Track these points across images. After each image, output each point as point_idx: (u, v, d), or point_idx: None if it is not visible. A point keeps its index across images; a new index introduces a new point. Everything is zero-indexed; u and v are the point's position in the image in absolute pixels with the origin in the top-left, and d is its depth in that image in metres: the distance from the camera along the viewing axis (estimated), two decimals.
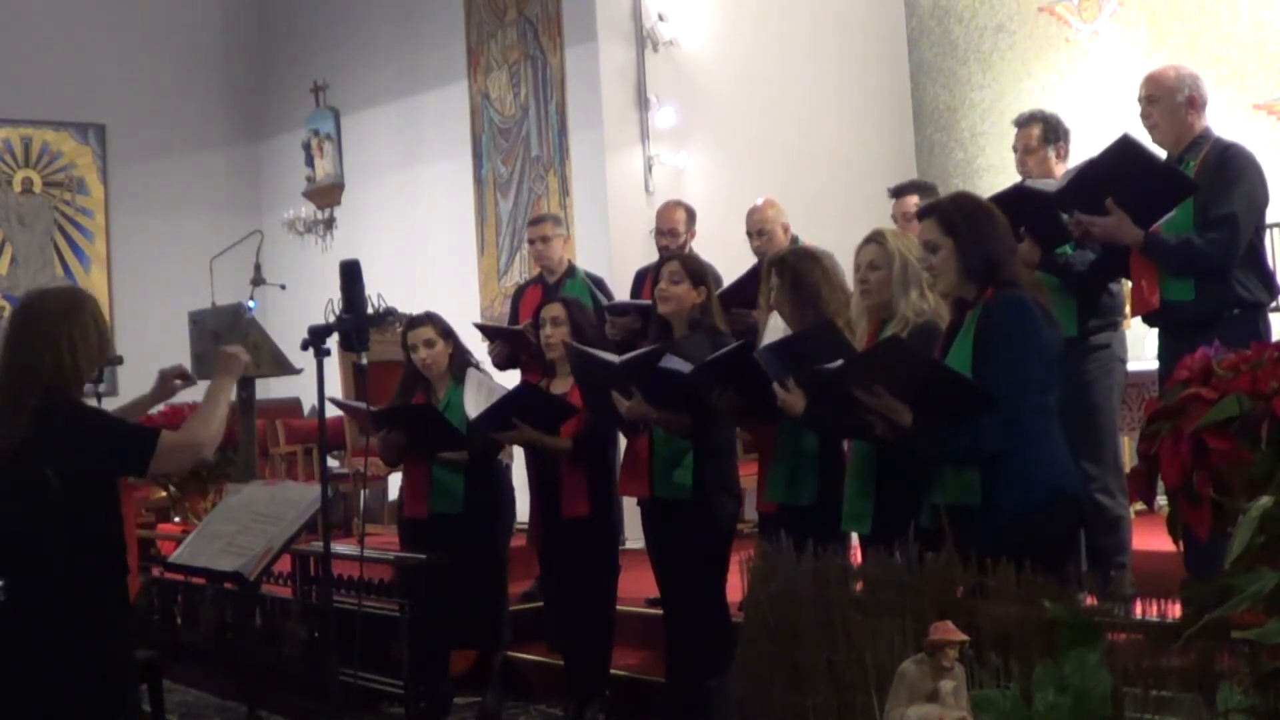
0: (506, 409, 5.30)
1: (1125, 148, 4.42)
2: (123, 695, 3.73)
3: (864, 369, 3.64)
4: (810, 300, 4.38)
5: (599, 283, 6.89)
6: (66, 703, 3.50)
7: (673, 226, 6.75)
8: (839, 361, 3.77)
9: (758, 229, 6.35)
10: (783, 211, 6.43)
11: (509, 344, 6.53)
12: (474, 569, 5.53)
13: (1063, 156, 5.32)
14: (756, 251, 6.34)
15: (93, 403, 3.86)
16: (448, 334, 5.68)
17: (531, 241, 6.96)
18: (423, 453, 5.57)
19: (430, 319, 5.69)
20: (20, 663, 3.50)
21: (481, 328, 6.96)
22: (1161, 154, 4.71)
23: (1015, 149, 5.39)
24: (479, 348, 6.47)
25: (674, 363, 4.62)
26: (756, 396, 4.37)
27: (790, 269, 4.46)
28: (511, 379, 6.53)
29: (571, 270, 6.91)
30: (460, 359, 5.67)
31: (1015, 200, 4.64)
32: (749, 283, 5.78)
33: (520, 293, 7.12)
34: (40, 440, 3.51)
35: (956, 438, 3.52)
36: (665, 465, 4.95)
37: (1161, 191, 4.50)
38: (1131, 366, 5.40)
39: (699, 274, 5.06)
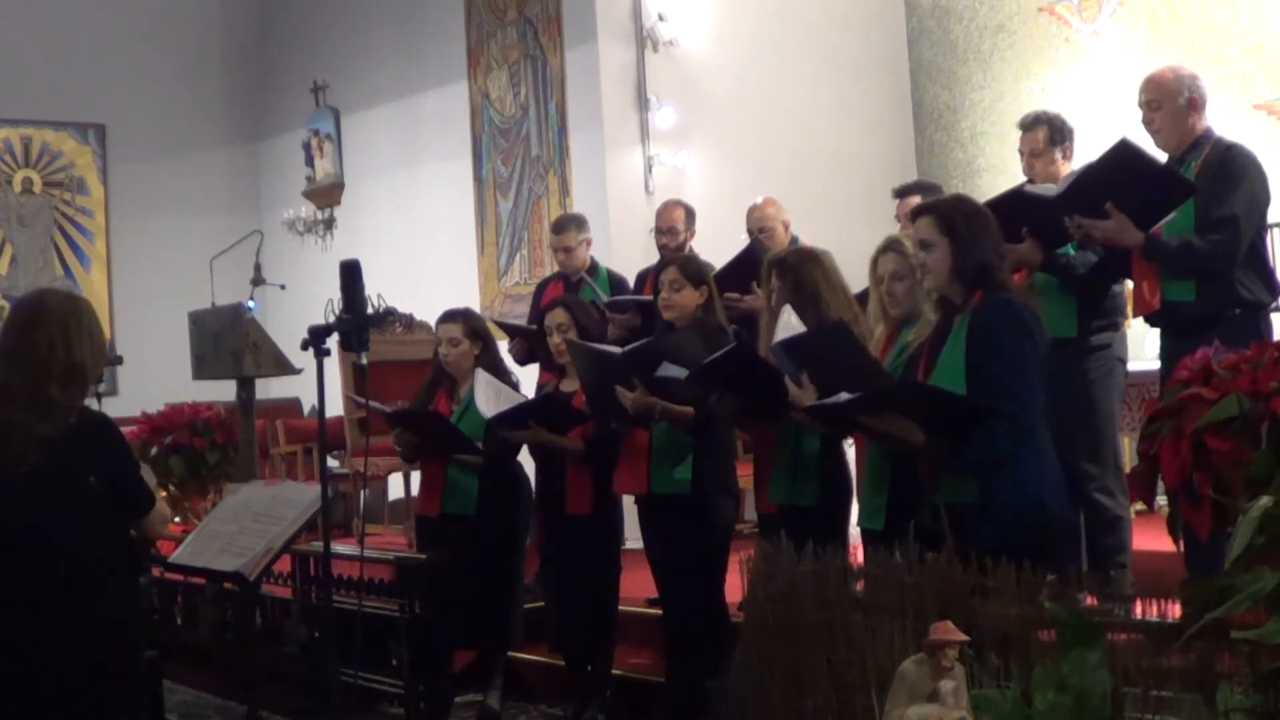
0: (526, 413, 5.31)
1: (1124, 151, 4.41)
2: (142, 691, 3.78)
3: (870, 404, 3.64)
4: (811, 301, 4.39)
5: (620, 282, 6.87)
6: (96, 699, 3.51)
7: (672, 225, 6.74)
8: (842, 396, 3.75)
9: (758, 227, 6.35)
10: (783, 209, 6.43)
11: (528, 341, 6.52)
12: (484, 570, 5.52)
13: (1068, 157, 5.31)
14: None
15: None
16: (477, 335, 5.67)
17: (555, 250, 6.91)
18: (437, 453, 5.57)
19: (463, 317, 5.69)
20: (52, 662, 3.49)
21: (501, 325, 6.95)
22: (1163, 157, 4.71)
23: (1021, 152, 5.38)
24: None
25: (670, 370, 4.63)
26: (755, 398, 4.38)
27: (791, 270, 4.46)
28: (530, 373, 6.54)
29: (594, 268, 6.88)
30: (489, 362, 5.65)
31: (1016, 202, 4.64)
32: (739, 266, 5.79)
33: (542, 288, 7.07)
34: (81, 445, 3.52)
35: (970, 447, 3.52)
36: (664, 461, 4.95)
37: (1161, 194, 4.50)
38: (1132, 366, 5.40)
39: (698, 275, 5.08)
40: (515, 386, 5.67)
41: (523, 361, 6.60)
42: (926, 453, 3.63)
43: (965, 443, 3.53)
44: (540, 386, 6.07)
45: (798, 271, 4.44)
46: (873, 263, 4.25)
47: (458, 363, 5.62)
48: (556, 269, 6.99)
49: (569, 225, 6.86)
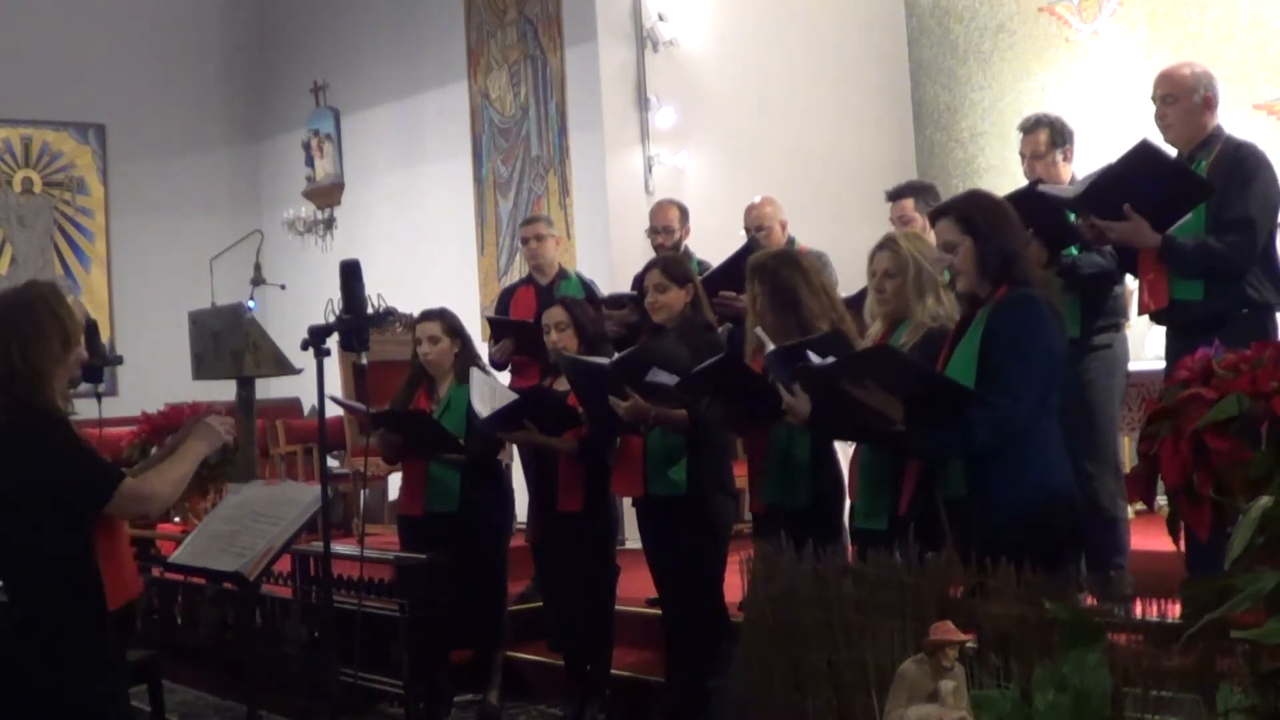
0: (519, 411, 5.31)
1: (1144, 153, 4.38)
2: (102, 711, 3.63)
3: (856, 368, 3.66)
4: (790, 305, 4.37)
5: (591, 286, 6.90)
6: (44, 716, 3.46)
7: (667, 224, 6.77)
8: (831, 359, 3.79)
9: (756, 225, 6.36)
10: (780, 208, 6.44)
11: (518, 338, 6.52)
12: (470, 568, 5.53)
13: (1069, 159, 5.31)
14: None
15: (91, 403, 3.81)
16: (456, 333, 5.68)
17: (525, 240, 6.97)
18: (422, 454, 5.58)
19: (441, 315, 5.69)
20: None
21: (493, 321, 6.95)
22: (1173, 153, 4.69)
23: (1022, 154, 5.36)
24: (481, 347, 6.46)
25: (660, 376, 4.64)
26: (745, 403, 4.38)
27: (769, 274, 4.44)
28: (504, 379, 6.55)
29: (563, 273, 6.93)
30: (467, 360, 5.66)
31: (1026, 202, 4.62)
32: (735, 265, 5.80)
33: (510, 293, 7.11)
34: (4, 445, 3.43)
35: (947, 433, 3.54)
36: (659, 463, 4.95)
37: (1178, 195, 4.47)
38: (1133, 367, 5.39)
39: (683, 275, 5.09)
40: None
41: (502, 366, 6.61)
42: (905, 432, 3.64)
43: (942, 429, 3.54)
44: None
45: (776, 275, 4.42)
46: (869, 259, 4.24)
47: (438, 361, 5.62)
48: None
49: (539, 217, 7.22)
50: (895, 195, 6.28)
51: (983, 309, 3.64)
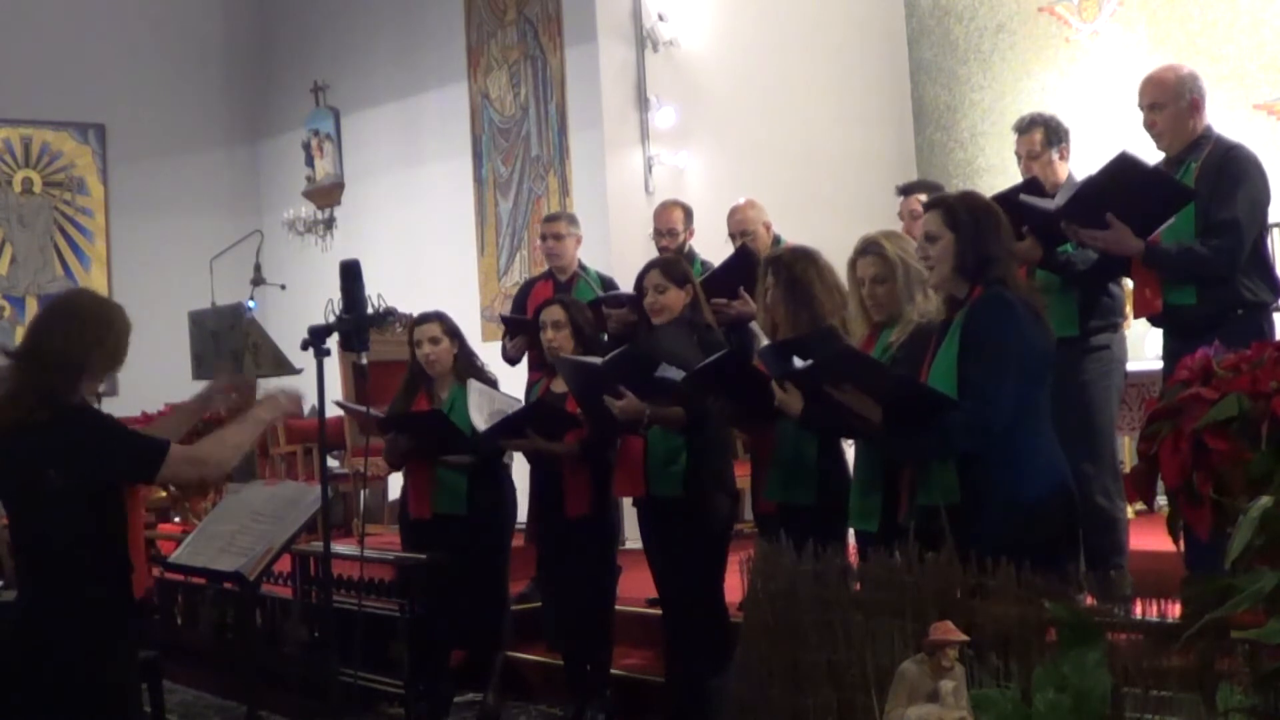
0: (519, 422, 5.31)
1: (1124, 164, 4.38)
2: (124, 697, 3.73)
3: (833, 371, 3.67)
4: (805, 301, 4.38)
5: (609, 283, 6.89)
6: (69, 703, 3.50)
7: (671, 226, 6.76)
8: (809, 362, 3.80)
9: (740, 229, 6.37)
10: (764, 211, 6.45)
11: (531, 336, 6.52)
12: (476, 569, 5.53)
13: (1066, 157, 5.30)
14: None
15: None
16: (454, 334, 5.68)
17: (544, 238, 6.93)
18: (429, 456, 5.57)
19: (439, 317, 5.69)
20: (24, 659, 3.51)
21: (507, 320, 6.94)
22: (1155, 159, 4.68)
23: (1018, 154, 5.35)
24: (481, 348, 6.45)
25: (669, 371, 4.64)
26: (752, 400, 4.38)
27: (785, 268, 4.46)
28: (519, 371, 6.55)
29: (582, 269, 6.91)
30: (465, 361, 5.66)
31: (1014, 207, 4.62)
32: (728, 271, 5.80)
33: (529, 288, 7.08)
34: (43, 439, 3.51)
35: (926, 437, 3.55)
36: (660, 463, 4.95)
37: (1160, 201, 4.46)
38: (1131, 367, 5.39)
39: (682, 276, 5.08)
40: (494, 384, 5.68)
41: (515, 361, 6.60)
42: (883, 438, 3.65)
43: (920, 433, 3.55)
44: (530, 385, 6.07)
45: (791, 269, 4.44)
46: (851, 265, 4.24)
47: (441, 361, 5.61)
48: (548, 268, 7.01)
49: (560, 216, 7.08)
50: (906, 190, 6.28)
51: (960, 312, 3.65)
